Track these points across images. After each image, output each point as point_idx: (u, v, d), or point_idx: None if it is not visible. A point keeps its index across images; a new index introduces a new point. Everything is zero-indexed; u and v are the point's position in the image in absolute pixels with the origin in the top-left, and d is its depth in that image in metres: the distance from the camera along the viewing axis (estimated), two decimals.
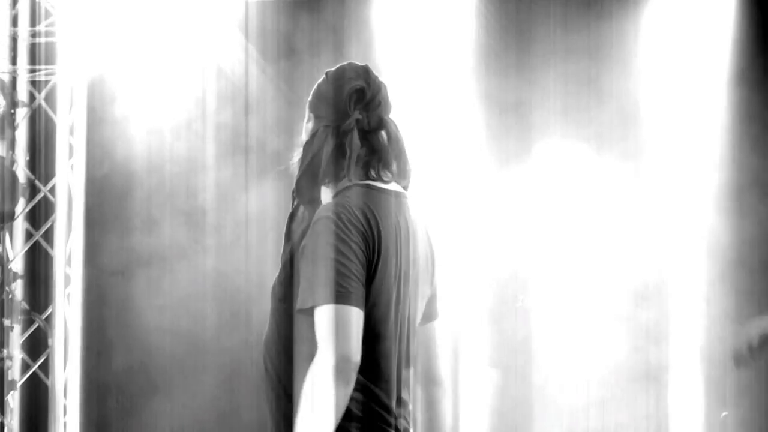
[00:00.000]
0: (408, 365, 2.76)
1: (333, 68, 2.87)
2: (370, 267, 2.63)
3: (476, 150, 5.76)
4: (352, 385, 2.55)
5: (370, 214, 2.66)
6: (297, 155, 2.80)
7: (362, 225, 2.63)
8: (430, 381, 2.86)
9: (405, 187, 2.82)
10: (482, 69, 5.73)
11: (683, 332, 5.63)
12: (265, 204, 5.89)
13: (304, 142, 2.80)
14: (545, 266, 5.76)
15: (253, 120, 5.92)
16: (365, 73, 2.83)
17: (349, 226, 2.61)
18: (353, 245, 2.60)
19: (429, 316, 2.85)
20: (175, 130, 5.92)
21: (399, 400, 2.72)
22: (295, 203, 2.77)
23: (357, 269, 2.59)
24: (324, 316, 2.55)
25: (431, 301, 2.85)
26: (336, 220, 2.62)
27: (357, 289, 2.58)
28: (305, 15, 5.83)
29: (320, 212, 2.66)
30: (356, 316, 2.57)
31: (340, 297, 2.55)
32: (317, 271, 2.57)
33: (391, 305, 2.67)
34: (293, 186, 2.77)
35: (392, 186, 2.78)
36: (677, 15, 5.66)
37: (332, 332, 2.53)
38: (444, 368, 2.87)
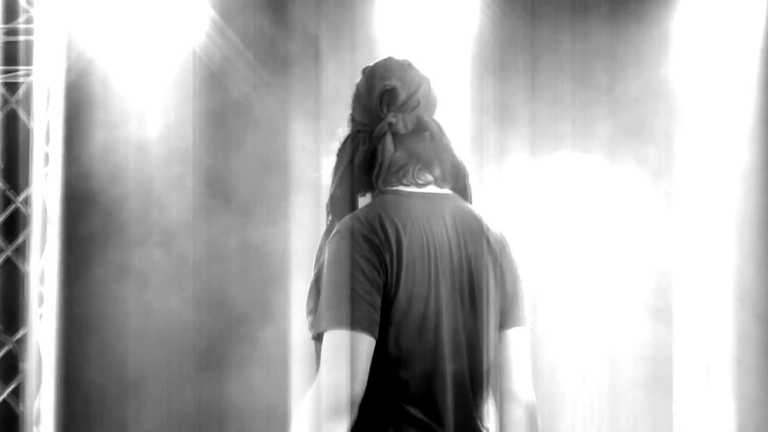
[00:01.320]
0: (479, 385, 2.49)
1: (371, 64, 2.63)
2: (390, 281, 2.42)
3: (476, 162, 5.49)
4: (346, 416, 2.34)
5: (389, 222, 2.44)
6: (330, 163, 2.58)
7: (377, 237, 2.42)
8: (506, 398, 2.52)
9: (457, 189, 2.58)
10: (482, 75, 5.54)
11: (703, 349, 5.44)
12: (251, 215, 5.68)
13: (337, 149, 2.58)
14: (556, 284, 5.52)
15: (241, 125, 5.70)
16: (401, 69, 2.58)
17: (361, 241, 2.42)
18: (363, 262, 2.40)
19: (508, 323, 2.54)
20: (159, 136, 5.65)
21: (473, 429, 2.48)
22: (330, 219, 2.54)
23: (365, 288, 2.39)
24: (325, 342, 2.39)
25: (509, 307, 2.55)
26: (347, 235, 2.43)
27: (362, 311, 2.38)
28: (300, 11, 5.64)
29: (336, 228, 2.48)
30: (358, 340, 2.36)
31: (340, 321, 2.37)
32: (325, 294, 2.41)
33: (430, 318, 2.43)
34: (328, 199, 2.55)
35: (429, 189, 2.53)
36: (701, 18, 5.47)
37: (329, 359, 2.36)
38: (526, 383, 2.52)
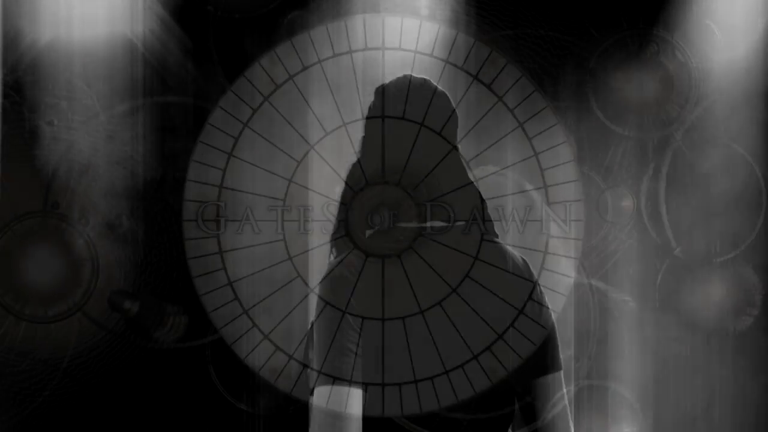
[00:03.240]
0: None
1: (385, 83, 2.55)
2: (373, 326, 2.32)
3: None
4: None
5: (372, 262, 2.37)
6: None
7: (360, 279, 2.34)
8: None
9: (469, 219, 2.45)
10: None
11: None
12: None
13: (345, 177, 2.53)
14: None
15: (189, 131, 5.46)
16: (412, 91, 2.49)
17: (344, 287, 2.33)
18: (346, 308, 2.31)
19: (543, 368, 2.42)
20: (104, 145, 5.40)
21: None
22: (333, 254, 2.45)
23: (350, 338, 2.29)
24: (315, 401, 2.27)
25: (539, 351, 2.42)
26: (327, 281, 2.35)
27: (349, 362, 2.29)
28: None
29: (324, 274, 2.39)
30: (351, 395, 2.27)
31: (330, 376, 2.27)
32: (313, 347, 2.32)
33: (423, 364, 2.32)
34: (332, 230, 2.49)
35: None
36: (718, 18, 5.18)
37: (321, 421, 2.24)
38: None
